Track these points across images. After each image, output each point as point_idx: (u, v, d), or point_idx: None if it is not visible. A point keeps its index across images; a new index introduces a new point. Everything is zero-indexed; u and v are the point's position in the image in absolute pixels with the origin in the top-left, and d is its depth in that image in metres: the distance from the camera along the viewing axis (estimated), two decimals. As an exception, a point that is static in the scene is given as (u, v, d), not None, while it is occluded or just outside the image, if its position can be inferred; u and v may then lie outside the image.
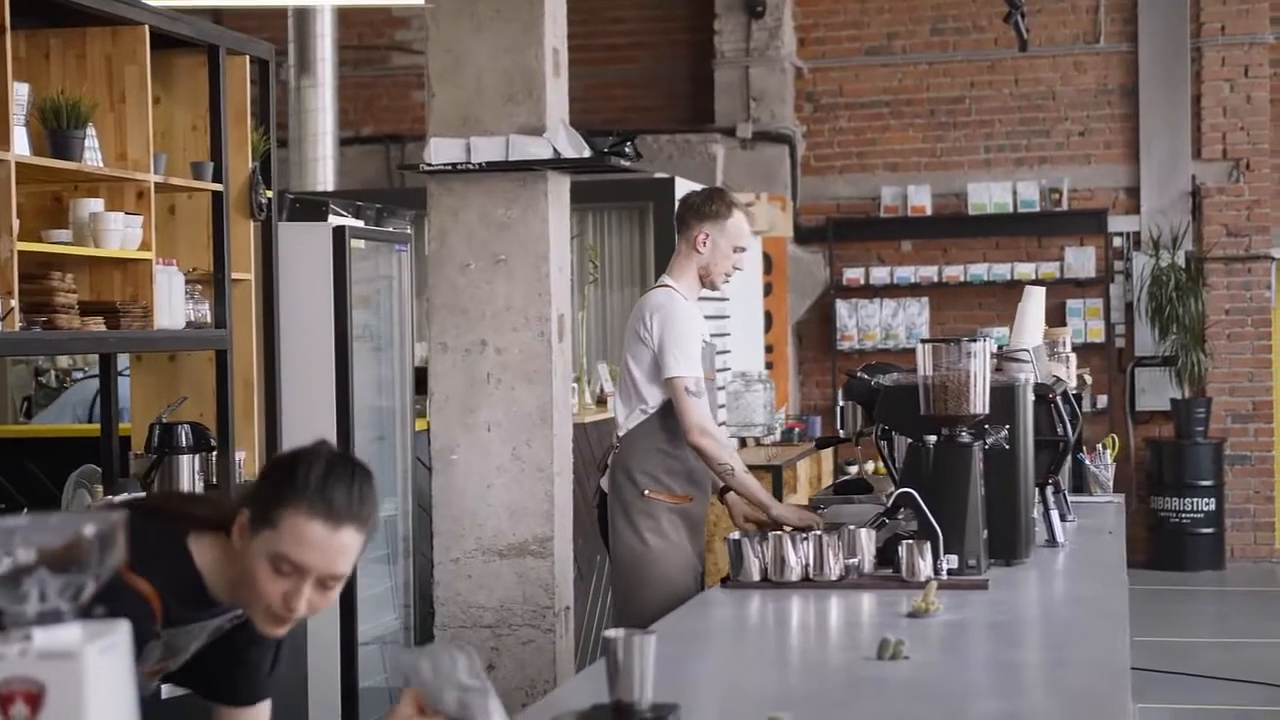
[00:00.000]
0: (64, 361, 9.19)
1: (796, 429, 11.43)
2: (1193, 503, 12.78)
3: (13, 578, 1.83)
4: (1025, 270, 13.15)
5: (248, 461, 6.19)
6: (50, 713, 1.79)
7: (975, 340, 4.66)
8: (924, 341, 4.70)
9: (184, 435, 5.80)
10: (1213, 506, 12.81)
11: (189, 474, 5.78)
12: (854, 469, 11.44)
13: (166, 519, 2.93)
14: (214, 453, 5.94)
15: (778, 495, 9.21)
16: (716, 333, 10.57)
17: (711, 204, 5.54)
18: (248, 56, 6.27)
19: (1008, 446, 4.77)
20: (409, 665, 2.55)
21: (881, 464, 5.42)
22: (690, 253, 5.53)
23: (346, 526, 2.78)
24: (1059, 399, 5.35)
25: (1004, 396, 4.79)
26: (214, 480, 5.95)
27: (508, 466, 5.91)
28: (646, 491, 5.47)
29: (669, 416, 5.40)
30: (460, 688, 2.54)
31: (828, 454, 11.45)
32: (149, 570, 2.80)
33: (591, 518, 5.94)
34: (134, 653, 2.79)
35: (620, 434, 5.55)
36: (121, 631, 1.88)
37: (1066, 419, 5.33)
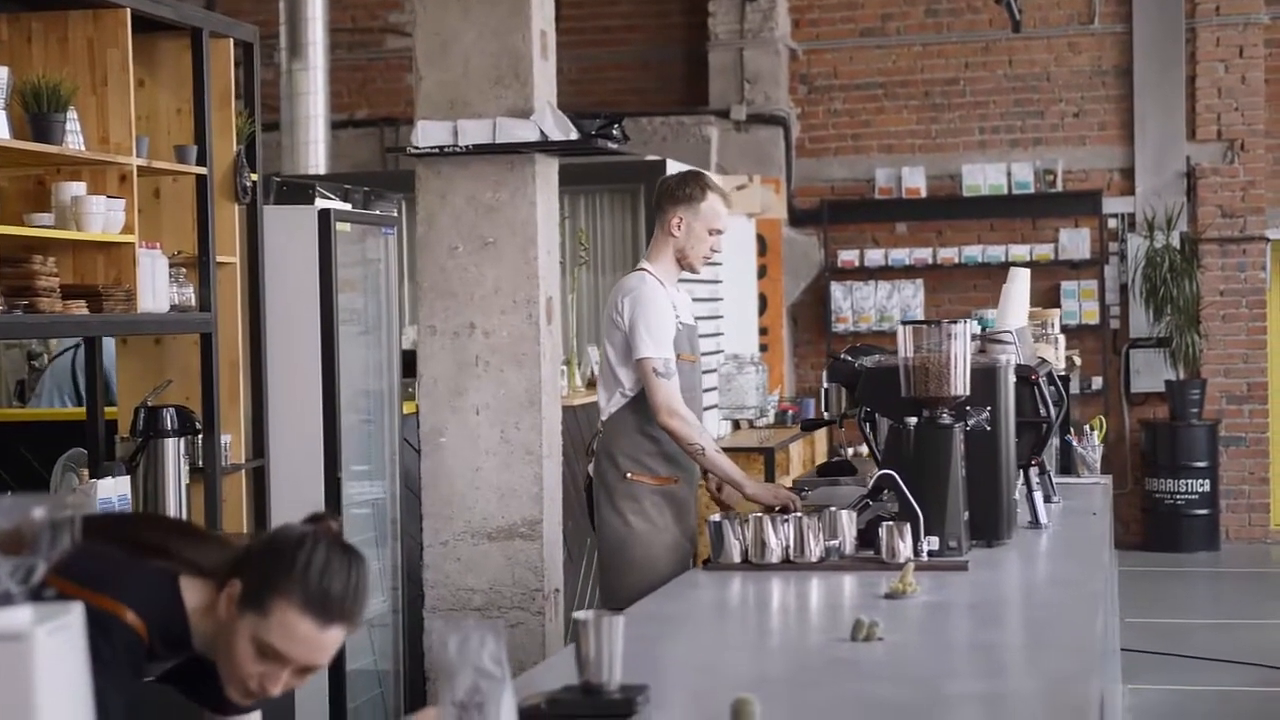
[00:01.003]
0: (56, 345, 9.17)
1: (790, 411, 11.42)
2: (1187, 484, 12.78)
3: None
4: (1020, 252, 13.14)
5: (233, 445, 6.19)
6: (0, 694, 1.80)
7: (956, 322, 4.66)
8: (904, 323, 4.71)
9: (169, 418, 5.79)
10: (1207, 488, 12.81)
11: (174, 457, 5.77)
12: (849, 451, 11.44)
13: (161, 556, 2.92)
14: (199, 436, 5.94)
15: (769, 478, 9.22)
16: (709, 315, 10.59)
17: (685, 187, 5.55)
18: (231, 39, 6.26)
19: (989, 428, 4.78)
20: (438, 635, 2.55)
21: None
22: (666, 237, 5.56)
23: (336, 625, 2.79)
24: (1043, 380, 5.34)
25: (985, 378, 4.79)
26: (199, 463, 5.95)
27: (496, 449, 5.91)
28: (629, 474, 5.51)
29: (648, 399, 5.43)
30: (479, 672, 2.53)
31: (821, 436, 11.46)
32: (142, 609, 2.81)
33: (581, 502, 5.96)
34: (128, 677, 2.81)
35: (603, 419, 5.59)
36: (74, 614, 1.89)
37: (1050, 400, 5.32)
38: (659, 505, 5.52)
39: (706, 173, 6.11)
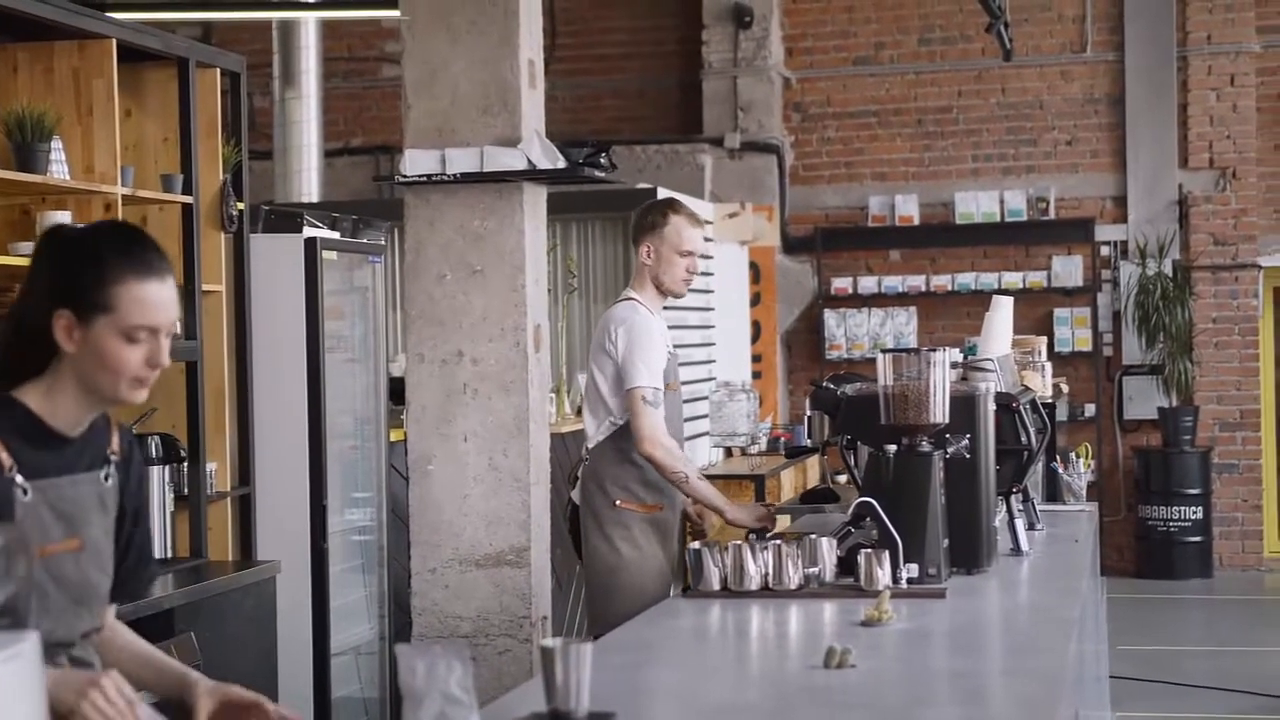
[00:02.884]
0: None
1: (783, 438, 11.42)
2: (1180, 511, 12.78)
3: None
4: (1013, 279, 13.17)
5: (219, 472, 6.20)
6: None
7: (935, 350, 4.67)
8: (884, 351, 4.71)
9: (154, 446, 5.79)
10: (1200, 515, 12.81)
11: (159, 485, 5.78)
12: (843, 479, 11.43)
13: None
14: (184, 464, 5.95)
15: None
16: (701, 342, 10.61)
17: (649, 215, 5.65)
18: (219, 69, 6.29)
19: (969, 456, 4.78)
20: (406, 659, 2.55)
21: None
22: (642, 266, 5.65)
23: (168, 277, 2.94)
24: (1025, 408, 5.35)
25: (965, 406, 4.79)
26: (185, 492, 5.96)
27: (484, 477, 5.91)
28: (618, 501, 5.54)
29: (637, 428, 5.47)
30: (445, 698, 2.53)
31: (814, 463, 11.45)
32: None
33: (566, 529, 5.98)
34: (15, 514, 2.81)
35: (590, 446, 5.62)
36: (29, 643, 1.89)
37: (1031, 428, 5.33)
38: (646, 532, 5.56)
39: (677, 197, 6.16)
